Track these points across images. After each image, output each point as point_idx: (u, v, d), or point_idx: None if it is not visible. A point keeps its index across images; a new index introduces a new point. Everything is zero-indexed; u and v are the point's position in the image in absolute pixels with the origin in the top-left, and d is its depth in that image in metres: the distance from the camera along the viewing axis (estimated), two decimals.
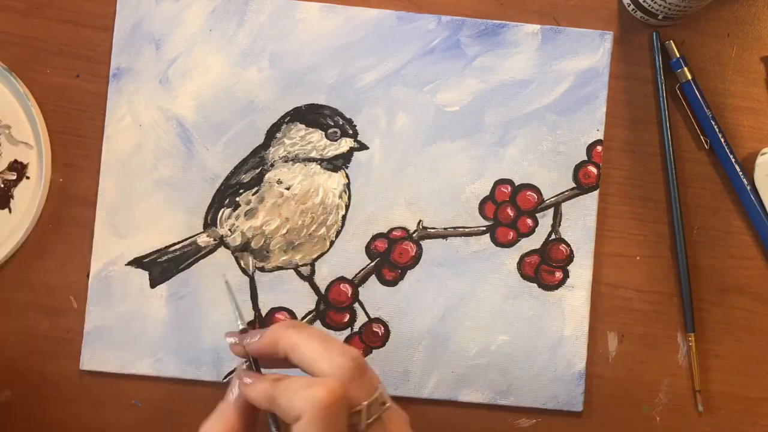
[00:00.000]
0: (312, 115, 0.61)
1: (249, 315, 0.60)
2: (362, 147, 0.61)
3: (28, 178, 0.61)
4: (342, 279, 0.61)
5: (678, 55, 0.61)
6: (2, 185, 0.60)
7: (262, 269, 0.61)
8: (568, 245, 0.61)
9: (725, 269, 0.62)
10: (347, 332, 0.60)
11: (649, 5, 0.59)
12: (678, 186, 0.61)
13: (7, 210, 0.60)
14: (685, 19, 0.62)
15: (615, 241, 0.62)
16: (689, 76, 0.61)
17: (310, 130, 0.61)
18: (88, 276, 0.60)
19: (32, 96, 0.60)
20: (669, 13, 0.58)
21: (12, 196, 0.60)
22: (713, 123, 0.61)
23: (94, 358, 0.60)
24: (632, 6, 0.61)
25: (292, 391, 0.45)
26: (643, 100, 0.62)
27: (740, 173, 0.61)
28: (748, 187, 0.61)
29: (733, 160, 0.61)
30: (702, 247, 0.62)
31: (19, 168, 0.61)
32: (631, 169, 0.62)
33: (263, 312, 0.60)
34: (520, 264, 0.61)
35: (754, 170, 0.61)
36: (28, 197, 0.60)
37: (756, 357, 0.62)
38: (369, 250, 0.61)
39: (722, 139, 0.61)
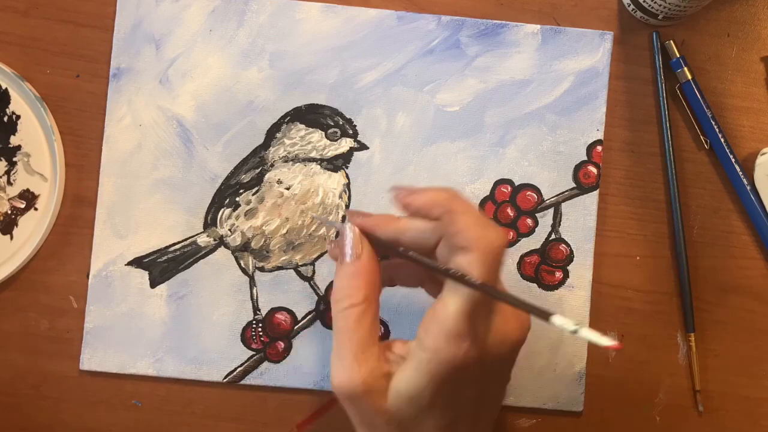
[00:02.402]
0: (312, 115, 0.61)
1: (249, 315, 0.60)
2: (362, 147, 0.61)
3: (36, 209, 0.61)
4: None
5: (678, 55, 0.61)
6: (10, 211, 0.60)
7: (262, 269, 0.61)
8: (568, 245, 0.61)
9: (725, 269, 0.62)
10: None
11: (649, 5, 0.59)
12: (678, 186, 0.61)
13: (9, 237, 0.60)
14: (685, 19, 0.62)
15: (615, 241, 0.62)
16: (689, 76, 0.61)
17: (310, 130, 0.61)
18: (88, 276, 0.60)
19: (58, 130, 0.60)
20: (669, 13, 0.58)
21: (17, 224, 0.60)
22: (713, 123, 0.61)
23: (94, 358, 0.60)
24: (632, 6, 0.60)
25: (466, 224, 0.45)
26: (643, 100, 0.62)
27: (740, 173, 0.61)
28: (748, 187, 0.61)
29: (733, 160, 0.61)
30: (702, 247, 0.62)
31: (29, 198, 0.61)
32: (631, 169, 0.62)
33: (263, 312, 0.60)
34: (520, 264, 0.61)
35: (754, 170, 0.61)
36: (32, 228, 0.60)
37: (756, 357, 0.62)
38: None
39: (722, 139, 0.61)
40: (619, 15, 0.62)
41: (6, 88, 0.61)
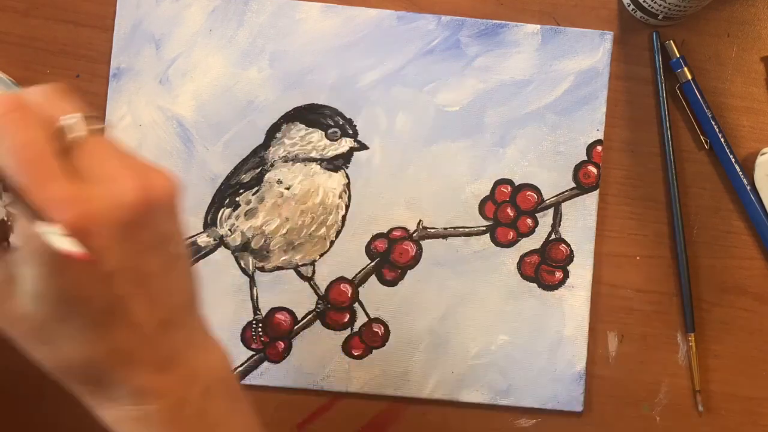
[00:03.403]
0: (312, 115, 0.61)
1: (249, 315, 0.60)
2: (362, 147, 0.61)
3: None
4: (342, 279, 0.61)
5: (678, 55, 0.61)
6: (6, 218, 0.60)
7: (262, 269, 0.61)
8: (568, 245, 0.61)
9: (725, 269, 0.62)
10: (347, 332, 0.60)
11: (649, 5, 0.59)
12: (678, 186, 0.61)
13: (6, 243, 0.60)
14: (685, 19, 0.61)
15: (615, 241, 0.62)
16: (689, 76, 0.61)
17: (310, 130, 0.61)
18: None
19: None
20: (669, 13, 0.58)
21: (13, 231, 0.60)
22: (713, 123, 0.61)
23: None
24: (632, 6, 0.61)
25: None
26: (643, 100, 0.62)
27: (740, 173, 0.61)
28: (748, 187, 0.61)
29: (733, 160, 0.61)
30: (702, 247, 0.62)
31: None
32: (631, 169, 0.62)
33: (263, 312, 0.60)
34: (520, 264, 0.61)
35: (754, 170, 0.61)
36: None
37: (756, 357, 0.62)
38: (369, 250, 0.61)
39: (722, 139, 0.61)
40: (619, 15, 0.62)
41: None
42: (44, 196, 0.38)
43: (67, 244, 0.36)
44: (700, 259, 0.62)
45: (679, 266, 0.61)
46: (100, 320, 0.41)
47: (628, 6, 0.61)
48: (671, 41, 0.61)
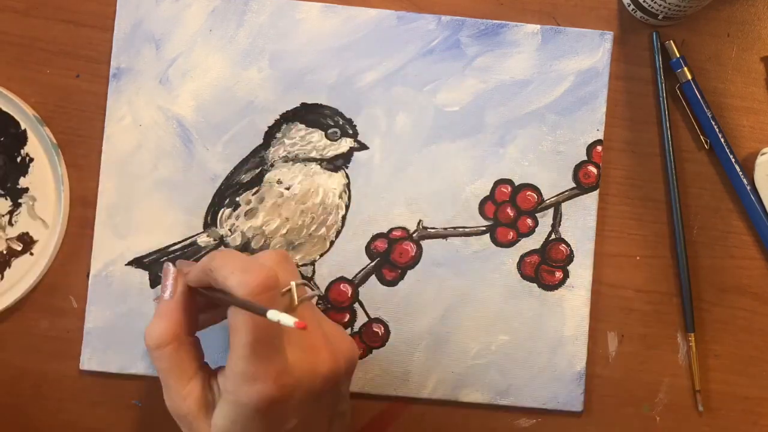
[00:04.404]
0: (312, 115, 0.61)
1: None
2: (362, 147, 0.61)
3: (32, 254, 0.61)
4: (342, 279, 0.61)
5: (678, 55, 0.61)
6: (5, 251, 0.60)
7: None
8: (568, 245, 0.61)
9: (725, 269, 0.62)
10: (347, 332, 0.60)
11: (649, 5, 0.59)
12: (678, 186, 0.61)
13: (0, 276, 0.60)
14: (685, 19, 0.62)
15: (615, 241, 0.62)
16: (689, 76, 0.61)
17: (310, 130, 0.61)
18: (88, 276, 0.60)
19: (68, 182, 0.61)
20: (669, 13, 0.58)
21: (9, 266, 0.60)
22: (713, 123, 0.61)
23: (94, 358, 0.60)
24: (632, 6, 0.61)
25: (228, 270, 0.46)
26: (643, 100, 0.62)
27: (740, 173, 0.61)
28: (748, 187, 0.61)
29: (733, 160, 0.61)
30: (702, 247, 0.62)
31: (27, 241, 0.60)
32: (631, 169, 0.62)
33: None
34: (520, 264, 0.61)
35: (754, 170, 0.61)
36: (24, 272, 0.60)
37: (756, 357, 0.62)
38: (369, 250, 0.61)
39: (722, 139, 0.61)
40: (619, 15, 0.62)
41: (25, 129, 0.60)
42: (264, 369, 0.45)
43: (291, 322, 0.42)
44: (700, 259, 0.62)
45: (679, 266, 0.61)
46: None
47: (628, 6, 0.61)
48: (671, 41, 0.61)
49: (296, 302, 0.48)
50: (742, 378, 0.62)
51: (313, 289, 0.49)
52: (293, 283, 0.48)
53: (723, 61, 0.62)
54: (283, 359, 0.46)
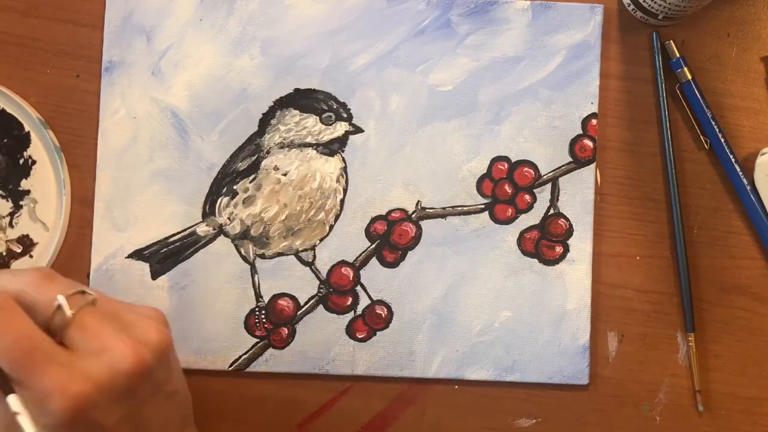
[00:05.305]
0: (306, 101, 0.61)
1: (251, 303, 0.60)
2: (357, 130, 0.61)
3: (31, 256, 0.60)
4: (343, 262, 0.61)
5: (678, 55, 0.61)
6: (4, 253, 0.60)
7: (262, 256, 0.61)
8: (567, 219, 0.61)
9: (725, 269, 0.62)
10: (350, 315, 0.60)
11: (649, 5, 0.59)
12: (678, 186, 0.61)
13: None
14: (685, 19, 0.61)
15: (615, 241, 0.62)
16: (689, 76, 0.61)
17: (305, 115, 0.61)
18: (88, 276, 0.60)
19: (70, 185, 0.60)
20: (669, 13, 0.58)
21: (9, 267, 0.60)
22: (713, 123, 0.61)
23: None
24: (632, 6, 0.60)
25: None
26: (643, 100, 0.62)
27: (740, 173, 0.61)
28: (748, 187, 0.61)
29: (733, 160, 0.61)
30: (702, 247, 0.62)
31: (27, 244, 0.60)
32: (631, 169, 0.62)
33: (266, 299, 0.60)
34: (520, 240, 0.61)
35: (754, 170, 0.60)
36: None
37: (756, 357, 0.62)
38: (369, 233, 0.61)
39: (722, 139, 0.61)
40: (619, 15, 0.62)
41: (28, 132, 0.60)
42: (42, 386, 0.42)
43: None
44: (700, 259, 0.62)
45: (679, 266, 0.61)
46: None
47: (628, 6, 0.61)
48: (671, 41, 0.61)
49: (69, 315, 0.44)
50: (742, 378, 0.62)
51: (91, 293, 0.46)
52: (60, 297, 0.45)
53: (723, 61, 0.62)
54: (60, 370, 0.43)
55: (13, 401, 0.41)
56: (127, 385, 0.45)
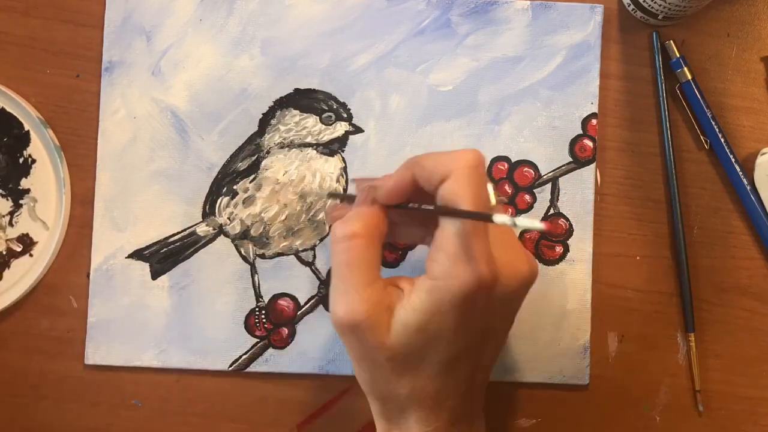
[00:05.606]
0: (306, 101, 0.61)
1: (251, 303, 0.60)
2: (357, 130, 0.61)
3: (31, 255, 0.60)
4: None
5: (678, 55, 0.61)
6: (4, 252, 0.60)
7: (262, 256, 0.60)
8: (567, 219, 0.61)
9: (725, 269, 0.62)
10: None
11: (649, 5, 0.59)
12: (678, 186, 0.61)
13: None
14: (685, 19, 0.62)
15: (615, 241, 0.62)
16: (689, 76, 0.61)
17: (305, 115, 0.61)
18: (88, 276, 0.60)
19: (70, 184, 0.60)
20: (669, 13, 0.59)
21: (8, 266, 0.60)
22: (713, 123, 0.61)
23: (99, 352, 0.60)
24: (632, 6, 0.61)
25: (436, 155, 0.46)
26: (643, 100, 0.62)
27: (740, 173, 0.61)
28: (748, 187, 0.61)
29: (733, 160, 0.61)
30: (702, 247, 0.62)
31: (27, 242, 0.60)
32: (631, 169, 0.62)
33: (266, 299, 0.60)
34: (520, 240, 0.61)
35: (754, 170, 0.61)
36: (23, 273, 0.60)
37: (756, 357, 0.62)
38: None
39: (722, 139, 0.61)
40: (619, 15, 0.62)
41: (28, 131, 0.60)
42: (480, 250, 0.45)
43: (537, 224, 0.42)
44: (700, 259, 0.62)
45: (679, 266, 0.61)
46: (451, 364, 0.47)
47: (628, 6, 0.61)
48: (671, 41, 0.61)
49: (494, 202, 0.46)
50: (742, 378, 0.62)
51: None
52: (490, 186, 0.46)
53: (723, 61, 0.62)
54: (489, 247, 0.45)
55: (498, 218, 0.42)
56: (514, 291, 0.48)
